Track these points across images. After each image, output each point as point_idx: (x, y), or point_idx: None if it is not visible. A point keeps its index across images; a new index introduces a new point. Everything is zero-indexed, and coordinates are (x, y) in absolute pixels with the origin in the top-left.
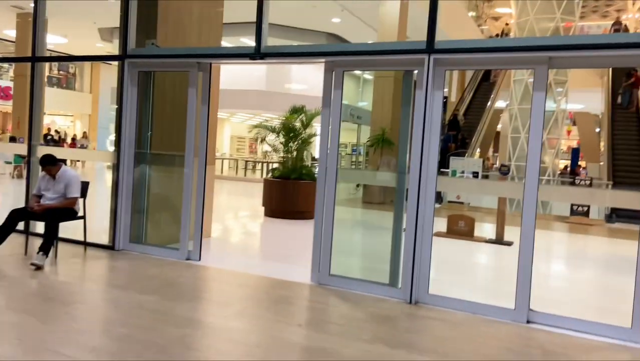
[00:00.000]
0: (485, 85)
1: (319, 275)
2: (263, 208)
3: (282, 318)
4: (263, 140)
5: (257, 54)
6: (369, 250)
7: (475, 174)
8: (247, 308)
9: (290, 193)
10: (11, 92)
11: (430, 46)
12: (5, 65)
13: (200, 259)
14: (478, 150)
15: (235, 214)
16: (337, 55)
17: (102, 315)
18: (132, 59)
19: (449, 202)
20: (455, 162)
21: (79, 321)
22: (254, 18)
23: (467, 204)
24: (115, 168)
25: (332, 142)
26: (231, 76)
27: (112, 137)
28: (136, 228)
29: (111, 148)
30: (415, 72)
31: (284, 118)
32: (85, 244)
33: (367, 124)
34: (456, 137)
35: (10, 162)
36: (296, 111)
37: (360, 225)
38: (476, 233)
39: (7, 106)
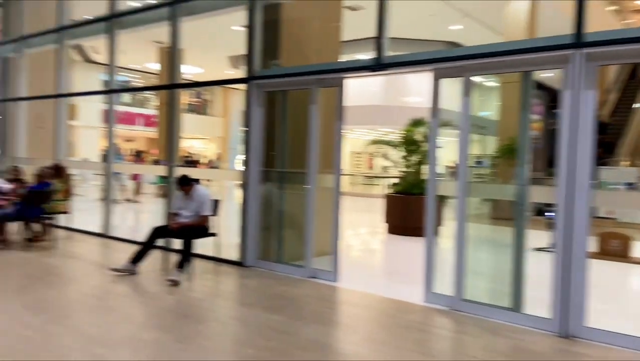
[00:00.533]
0: (632, 83)
1: (451, 300)
2: (384, 224)
3: (413, 347)
4: (384, 156)
5: (377, 65)
6: (504, 272)
7: (630, 185)
8: (374, 333)
9: (413, 209)
10: (155, 119)
11: (578, 40)
12: (150, 96)
13: (336, 280)
14: (625, 157)
15: (356, 230)
16: (467, 59)
17: (232, 334)
18: (257, 80)
19: (595, 217)
20: (606, 173)
21: (211, 339)
22: (367, 35)
23: (615, 219)
24: (243, 187)
25: (462, 154)
26: (348, 92)
27: (240, 157)
28: (263, 244)
29: (240, 167)
30: (549, 73)
31: (405, 131)
32: (217, 260)
33: (492, 135)
34: (603, 142)
35: (155, 183)
36: (416, 123)
37: (490, 244)
38: (633, 254)
39: (152, 132)
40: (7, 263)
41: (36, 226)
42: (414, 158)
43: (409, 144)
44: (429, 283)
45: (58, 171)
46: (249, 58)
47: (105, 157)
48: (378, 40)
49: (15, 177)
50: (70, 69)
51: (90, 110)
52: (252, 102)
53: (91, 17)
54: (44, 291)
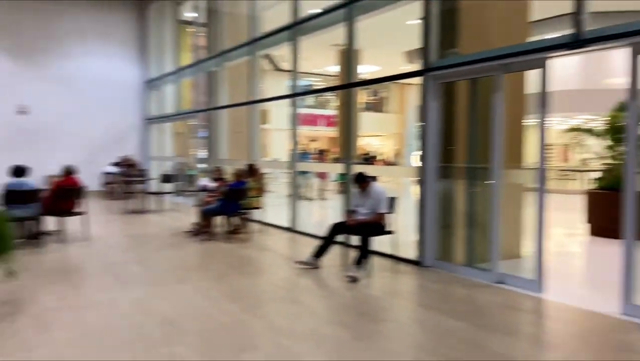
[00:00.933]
0: None
1: None
2: (586, 225)
3: None
4: (581, 145)
5: (576, 41)
6: None
7: None
8: (578, 353)
9: (622, 208)
10: (335, 119)
11: None
12: (331, 97)
13: (540, 290)
14: None
15: (550, 231)
16: None
17: (411, 337)
18: (433, 72)
19: None
20: None
21: (389, 341)
22: (560, 12)
23: None
24: (420, 183)
25: None
26: (536, 78)
27: (417, 153)
28: (443, 244)
29: (416, 164)
30: None
31: (610, 118)
32: (394, 258)
33: None
34: None
35: (335, 180)
36: (624, 107)
37: None
38: None
39: (332, 132)
40: (211, 253)
41: (235, 220)
42: (623, 148)
43: (616, 132)
44: (629, 293)
45: (252, 171)
46: (424, 50)
47: (292, 157)
48: (576, 16)
49: (218, 176)
50: (262, 78)
51: (280, 114)
52: (428, 96)
53: (277, 28)
54: (240, 280)
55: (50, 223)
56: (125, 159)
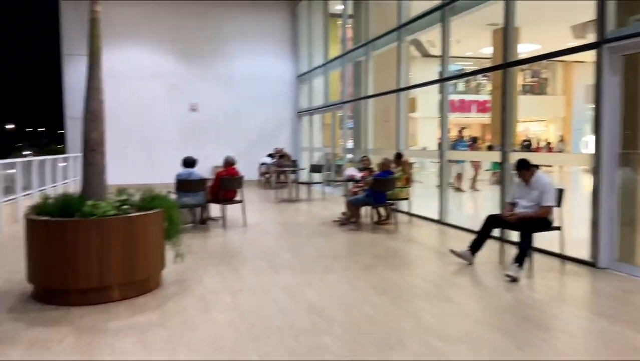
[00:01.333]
0: None
1: None
2: None
3: None
4: None
5: None
6: None
7: None
8: None
9: None
10: (488, 105)
11: None
12: (484, 82)
13: None
14: None
15: None
16: None
17: (586, 351)
18: (611, 42)
19: None
20: None
21: (558, 353)
22: None
23: None
24: (594, 172)
25: None
26: None
27: (587, 138)
28: (624, 243)
29: (585, 150)
30: None
31: None
32: (562, 257)
33: None
34: None
35: (489, 170)
36: None
37: None
38: None
39: (485, 118)
40: (358, 243)
41: (382, 211)
42: None
43: None
44: None
45: (399, 160)
46: (599, 19)
47: (441, 146)
48: None
49: (365, 166)
50: (410, 65)
51: (428, 102)
52: (605, 72)
53: (426, 9)
54: (386, 272)
55: (214, 209)
56: (278, 151)
